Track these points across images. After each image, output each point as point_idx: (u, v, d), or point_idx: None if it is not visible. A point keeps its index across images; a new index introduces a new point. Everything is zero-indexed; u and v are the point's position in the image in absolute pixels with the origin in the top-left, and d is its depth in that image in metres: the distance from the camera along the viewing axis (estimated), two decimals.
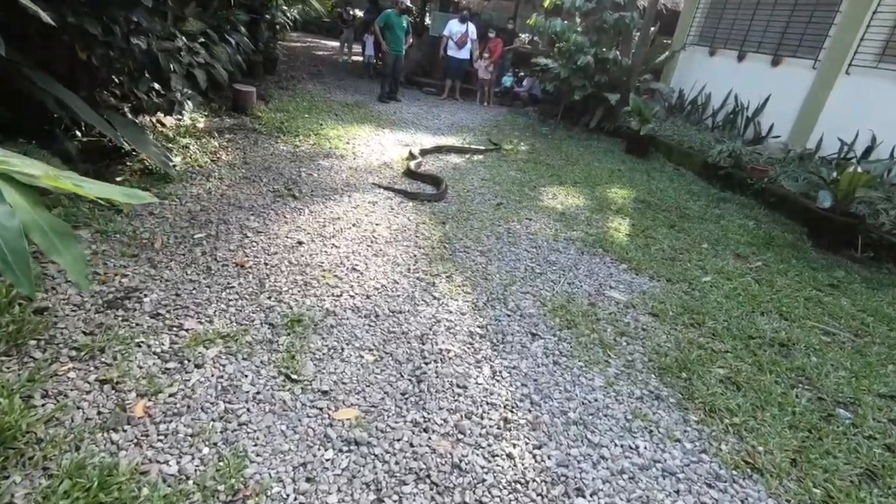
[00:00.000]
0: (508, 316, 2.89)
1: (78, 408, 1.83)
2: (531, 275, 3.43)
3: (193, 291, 2.63)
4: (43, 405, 1.82)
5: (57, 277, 2.55)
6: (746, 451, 2.14)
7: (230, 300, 2.61)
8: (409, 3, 9.39)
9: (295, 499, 1.64)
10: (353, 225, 3.76)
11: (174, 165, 4.25)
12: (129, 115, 4.46)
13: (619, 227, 4.57)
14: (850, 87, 6.35)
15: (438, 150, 6.25)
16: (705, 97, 8.72)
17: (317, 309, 2.66)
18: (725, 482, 1.98)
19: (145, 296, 2.53)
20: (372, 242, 3.53)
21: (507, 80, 10.91)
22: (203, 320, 2.43)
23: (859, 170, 4.67)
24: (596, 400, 2.32)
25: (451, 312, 2.83)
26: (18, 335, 2.07)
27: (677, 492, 1.90)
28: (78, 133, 4.05)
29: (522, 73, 10.89)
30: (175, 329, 2.33)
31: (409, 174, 5.10)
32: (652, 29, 9.10)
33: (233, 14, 7.77)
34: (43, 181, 0.85)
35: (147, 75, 4.20)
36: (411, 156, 5.64)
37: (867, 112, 6.05)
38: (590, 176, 6.13)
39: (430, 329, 2.65)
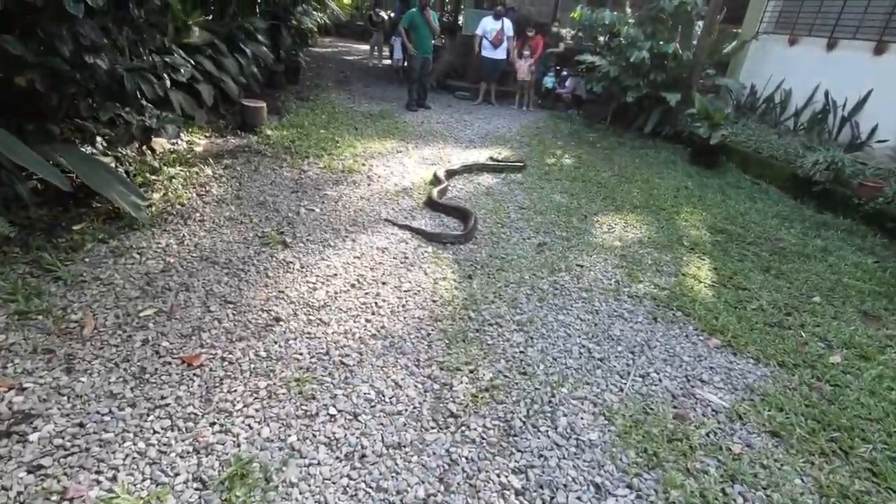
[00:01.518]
0: (559, 447, 1.97)
1: None
2: (588, 363, 2.49)
3: (106, 417, 1.86)
4: None
5: None
6: None
7: (154, 432, 1.82)
8: None
9: None
10: (353, 286, 2.92)
11: (148, 206, 3.55)
12: (103, 147, 3.81)
13: (699, 274, 3.54)
14: None
15: (468, 170, 5.35)
16: (784, 93, 7.43)
17: (276, 445, 1.83)
18: None
19: (35, 429, 1.77)
20: (373, 314, 2.68)
21: (549, 81, 9.87)
22: (104, 475, 1.64)
23: None
24: None
25: (473, 444, 1.93)
26: None
27: None
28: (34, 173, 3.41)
29: (565, 73, 9.81)
30: (55, 497, 1.55)
31: (431, 204, 4.23)
32: (718, 16, 7.86)
33: (249, 21, 7.16)
34: None
35: (113, 101, 3.50)
36: (436, 179, 4.78)
37: None
38: (651, 196, 5.08)
39: (441, 482, 1.76)
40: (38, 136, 3.16)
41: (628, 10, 8.38)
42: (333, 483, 1.71)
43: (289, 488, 1.67)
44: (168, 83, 4.48)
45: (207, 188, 4.08)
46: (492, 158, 5.77)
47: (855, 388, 2.49)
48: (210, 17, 6.76)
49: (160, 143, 4.70)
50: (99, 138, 3.82)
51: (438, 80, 10.29)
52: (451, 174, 5.04)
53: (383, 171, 5.04)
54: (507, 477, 1.81)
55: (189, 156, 4.63)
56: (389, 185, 4.70)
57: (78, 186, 3.38)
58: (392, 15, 13.39)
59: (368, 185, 4.64)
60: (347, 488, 1.70)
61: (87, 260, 2.85)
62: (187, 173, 4.23)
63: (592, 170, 5.85)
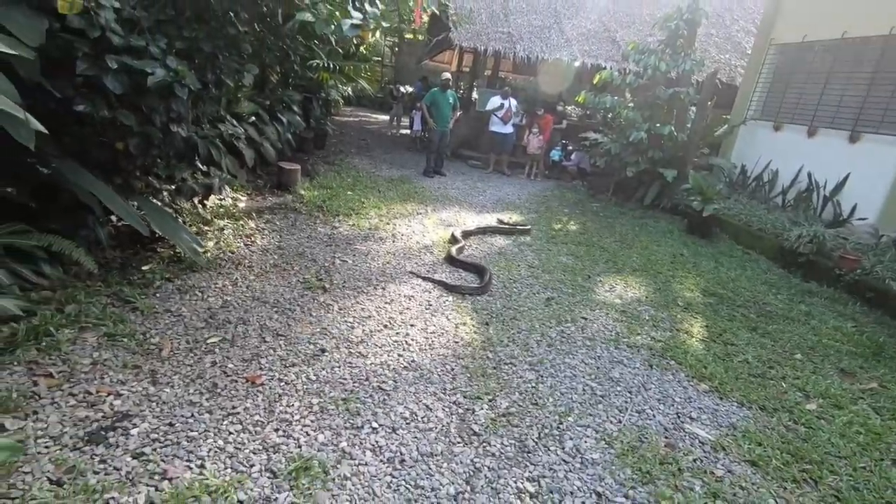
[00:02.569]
0: (566, 462, 2.31)
1: None
2: (591, 399, 2.86)
3: (190, 420, 2.24)
4: None
5: (46, 395, 2.24)
6: None
7: (230, 433, 2.20)
8: (448, 76, 9.49)
9: None
10: (385, 326, 3.35)
11: (204, 252, 4.06)
12: (167, 200, 4.38)
13: (691, 330, 3.94)
14: None
15: (483, 231, 5.89)
16: (772, 173, 8.10)
17: (330, 448, 2.19)
18: None
19: (134, 426, 2.15)
20: (404, 350, 3.08)
21: (556, 154, 10.68)
22: (193, 463, 2.01)
23: None
24: None
25: (493, 456, 2.29)
26: None
27: None
28: (113, 219, 3.95)
29: (571, 147, 10.65)
30: (157, 478, 1.91)
31: (451, 261, 4.72)
32: (709, 104, 8.72)
33: (287, 94, 8.02)
34: None
35: (184, 162, 4.11)
36: (453, 239, 5.30)
37: None
38: (649, 262, 5.55)
39: (467, 484, 2.11)
40: (122, 190, 3.72)
41: (627, 96, 9.28)
42: (379, 479, 2.06)
43: (343, 481, 2.02)
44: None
45: (253, 239, 4.60)
46: (500, 221, 6.33)
47: (827, 431, 2.82)
48: (255, 90, 7.62)
49: (210, 199, 5.30)
50: (165, 193, 4.40)
51: (453, 150, 11.13)
52: (466, 235, 5.56)
53: (406, 230, 5.57)
54: (522, 483, 2.15)
55: (234, 211, 5.19)
56: (412, 242, 5.21)
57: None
58: (411, 90, 14.59)
59: (393, 241, 5.16)
60: (391, 484, 2.05)
61: (157, 295, 3.31)
62: (235, 226, 4.77)
63: (596, 236, 6.38)
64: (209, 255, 4.05)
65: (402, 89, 15.35)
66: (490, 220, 6.43)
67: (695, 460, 2.45)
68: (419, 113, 10.78)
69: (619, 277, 4.96)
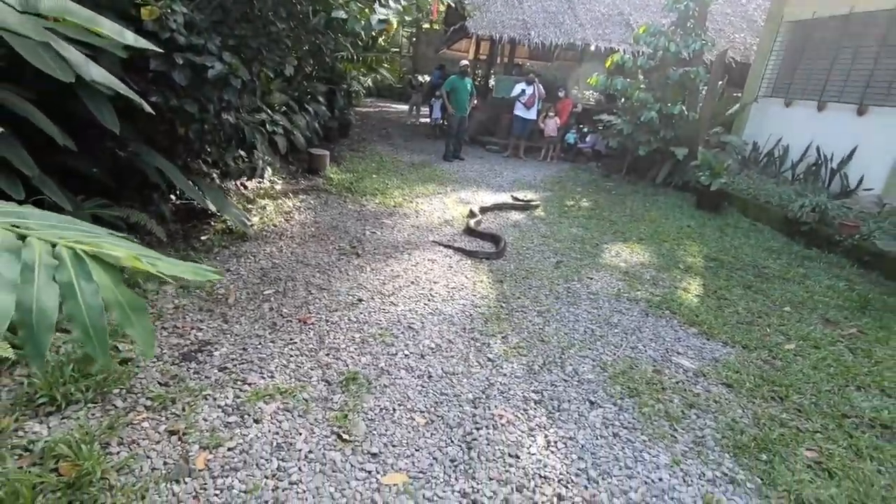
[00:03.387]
0: (565, 381, 2.78)
1: (147, 457, 1.95)
2: (591, 337, 3.30)
3: (259, 346, 2.77)
4: (118, 452, 1.95)
5: None
6: None
7: (291, 356, 2.72)
8: (466, 63, 9.90)
9: None
10: (412, 283, 3.84)
11: (251, 225, 4.61)
12: (217, 181, 4.95)
13: (689, 288, 4.33)
14: None
15: (499, 207, 6.33)
16: (783, 149, 8.29)
17: (371, 367, 2.70)
18: None
19: (215, 349, 2.70)
20: (429, 301, 3.58)
21: (571, 137, 11.00)
22: (265, 375, 2.54)
23: None
24: (661, 480, 2.14)
25: (505, 375, 2.77)
26: (105, 384, 2.27)
27: None
28: (172, 197, 4.52)
29: (586, 129, 10.95)
30: (239, 383, 2.45)
31: (469, 232, 5.19)
32: (720, 83, 8.92)
33: (312, 86, 8.55)
34: (123, 262, 0.96)
35: (233, 145, 4.65)
36: (471, 214, 5.75)
37: None
38: (656, 232, 5.92)
39: (483, 392, 2.60)
40: (182, 171, 4.28)
41: (640, 77, 9.52)
42: (411, 389, 2.56)
43: (383, 388, 2.53)
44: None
45: (291, 215, 5.14)
46: (514, 198, 6.76)
47: (801, 365, 3.21)
48: (284, 83, 8.17)
49: (249, 183, 5.86)
50: (214, 174, 4.97)
51: (472, 135, 11.54)
52: (484, 210, 6.02)
53: (427, 207, 6.05)
54: (528, 393, 2.62)
55: (273, 192, 5.75)
56: (433, 217, 5.69)
57: (200, 209, 4.48)
58: (429, 79, 15.00)
59: (416, 217, 5.64)
60: (421, 391, 2.55)
61: (217, 258, 3.87)
62: (274, 204, 5.32)
63: (606, 210, 6.75)
64: (255, 228, 4.60)
65: (420, 79, 15.79)
66: (506, 198, 6.86)
67: (677, 382, 2.88)
68: (439, 101, 11.19)
69: (625, 245, 5.35)
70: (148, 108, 2.51)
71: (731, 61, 10.49)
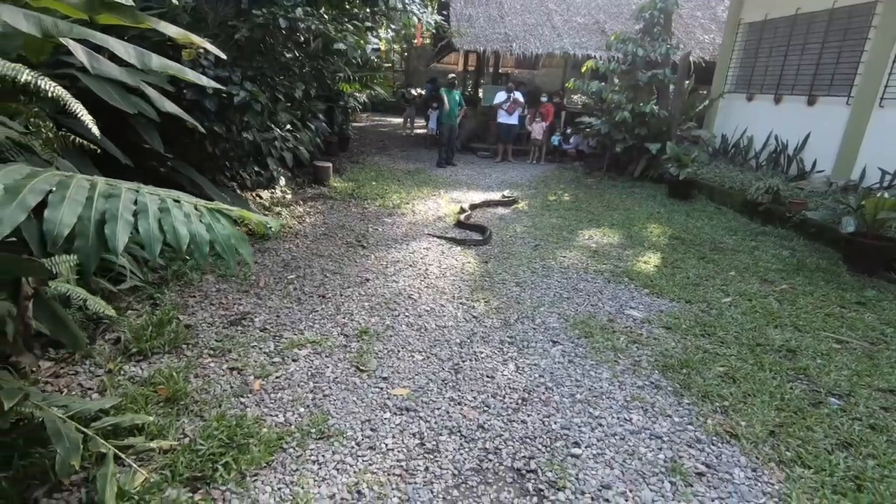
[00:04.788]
0: (534, 329, 3.48)
1: (217, 384, 2.65)
2: (559, 299, 4.01)
3: (289, 314, 3.48)
4: (196, 381, 2.66)
5: (195, 305, 3.50)
6: (729, 424, 2.55)
7: (315, 319, 3.43)
8: (453, 75, 10.73)
9: (362, 440, 2.31)
10: (410, 266, 4.56)
11: (271, 227, 5.32)
12: (238, 191, 5.69)
13: (649, 261, 5.03)
14: (886, 119, 6.53)
15: (487, 204, 7.06)
16: (747, 140, 9.02)
17: (379, 325, 3.41)
18: (703, 444, 2.41)
19: (255, 317, 3.41)
20: (424, 278, 4.29)
21: (555, 140, 11.75)
22: (296, 332, 3.25)
23: (886, 196, 4.88)
24: (601, 387, 2.83)
25: (486, 327, 3.47)
26: (176, 340, 2.97)
27: (660, 449, 2.36)
28: None
29: (570, 131, 11.71)
30: (277, 337, 3.16)
31: (459, 224, 5.91)
32: (687, 82, 9.69)
33: (313, 105, 9.32)
34: (236, 214, 1.68)
35: (251, 160, 5.40)
36: (461, 210, 6.47)
37: None
38: (628, 219, 6.63)
39: (468, 338, 3.30)
40: (212, 184, 5.03)
41: (615, 80, 10.29)
42: (411, 338, 3.26)
43: (389, 338, 3.23)
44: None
45: (303, 219, 5.87)
46: (504, 195, 7.48)
47: (733, 312, 3.90)
48: (288, 103, 8.95)
49: (264, 193, 6.61)
50: (234, 185, 5.71)
51: (463, 143, 12.30)
52: (473, 207, 6.74)
53: (422, 208, 6.78)
54: (503, 338, 3.32)
55: (285, 200, 6.49)
56: (428, 215, 6.42)
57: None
58: (423, 92, 15.81)
59: (413, 215, 6.37)
60: (419, 339, 3.25)
61: None
62: (287, 210, 6.05)
63: (585, 203, 7.47)
64: (273, 230, 5.32)
65: (413, 92, 16.61)
66: (495, 197, 7.58)
67: (626, 327, 3.58)
68: (435, 112, 11.94)
69: (598, 231, 6.06)
70: (200, 128, 3.22)
71: (700, 60, 11.25)
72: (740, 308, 3.97)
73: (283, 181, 6.44)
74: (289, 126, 8.29)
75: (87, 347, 2.75)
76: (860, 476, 2.23)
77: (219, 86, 2.70)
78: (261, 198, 6.32)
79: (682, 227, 6.35)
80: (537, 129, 11.10)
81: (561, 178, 9.63)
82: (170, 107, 2.72)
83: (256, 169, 6.01)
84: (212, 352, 2.95)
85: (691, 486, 2.16)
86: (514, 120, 11.07)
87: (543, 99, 11.39)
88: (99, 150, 3.40)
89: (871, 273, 4.86)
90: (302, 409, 2.49)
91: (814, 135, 7.65)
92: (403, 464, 2.20)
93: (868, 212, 4.87)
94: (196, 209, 1.68)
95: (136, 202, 1.63)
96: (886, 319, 3.87)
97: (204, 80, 2.29)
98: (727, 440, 2.44)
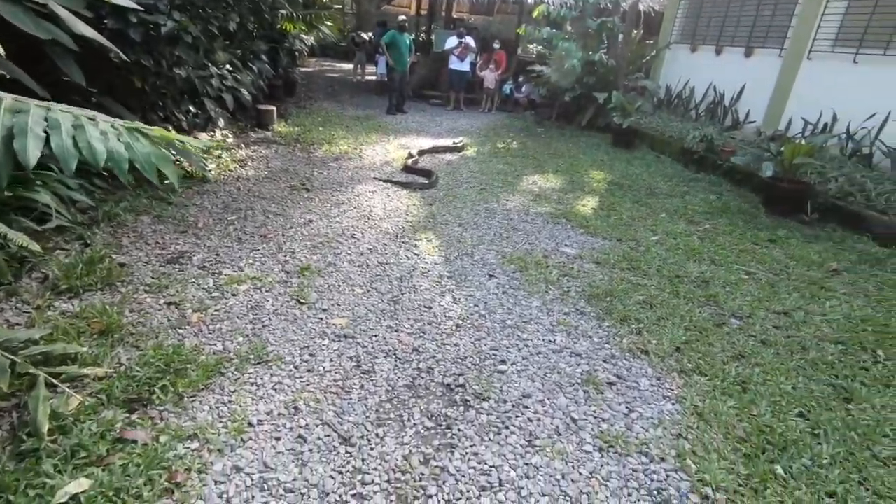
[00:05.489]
0: (473, 265, 3.63)
1: (154, 317, 2.66)
2: (498, 238, 4.16)
3: (228, 252, 3.47)
4: (131, 315, 2.65)
5: (129, 245, 3.43)
6: (641, 342, 2.82)
7: (256, 258, 3.44)
8: (404, 18, 10.35)
9: (300, 363, 2.41)
10: (354, 208, 4.57)
11: (210, 170, 5.17)
12: (172, 131, 5.43)
13: (587, 204, 5.25)
14: (812, 71, 6.89)
15: (435, 150, 7.06)
16: (689, 91, 9.31)
17: (321, 262, 3.46)
18: (617, 359, 2.66)
19: (193, 256, 3.38)
20: (368, 219, 4.33)
21: (507, 88, 11.70)
22: (236, 269, 3.26)
23: (803, 142, 5.25)
24: (530, 314, 3.03)
25: (426, 263, 3.59)
26: (109, 277, 2.93)
27: (578, 364, 2.60)
28: None
29: (521, 80, 11.66)
30: (216, 274, 3.16)
31: (406, 169, 5.91)
32: (635, 31, 9.78)
33: (255, 45, 8.83)
34: (156, 133, 1.66)
35: (186, 98, 5.14)
36: (409, 155, 6.46)
37: (827, 92, 6.58)
38: (571, 166, 6.82)
39: (409, 273, 3.41)
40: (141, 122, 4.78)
41: (568, 28, 10.25)
42: (353, 273, 3.34)
43: (331, 273, 3.30)
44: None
45: (245, 163, 5.71)
46: (454, 142, 7.49)
47: (658, 249, 4.18)
48: (226, 41, 8.43)
49: (202, 136, 6.33)
50: (169, 127, 5.44)
51: (415, 90, 12.05)
52: (421, 153, 6.73)
53: (370, 153, 6.71)
54: (443, 272, 3.46)
55: (225, 144, 6.25)
56: (375, 160, 6.37)
57: None
58: (372, 37, 15.19)
59: (360, 160, 6.31)
60: (360, 274, 3.33)
61: (182, 195, 4.46)
62: (229, 154, 5.85)
63: (532, 151, 7.59)
64: (213, 173, 5.17)
65: (363, 36, 15.92)
66: (444, 143, 7.58)
67: (559, 262, 3.79)
68: (383, 57, 11.57)
69: (541, 176, 6.22)
70: (123, 56, 3.05)
71: (650, 10, 11.33)
72: (665, 245, 4.26)
73: (222, 122, 6.17)
74: (228, 66, 7.89)
75: (11, 282, 2.68)
76: (747, 381, 2.54)
77: (139, 7, 2.55)
78: (199, 140, 6.05)
79: (622, 173, 6.60)
80: (490, 77, 11.01)
81: (511, 126, 9.68)
82: (84, 29, 2.57)
83: (193, 109, 5.73)
84: (147, 288, 2.93)
85: (602, 392, 2.41)
86: (465, 66, 10.90)
87: (496, 46, 11.23)
88: (9, 78, 3.18)
89: (786, 215, 5.27)
90: (241, 339, 2.56)
91: (749, 86, 7.99)
92: (340, 383, 2.33)
93: (786, 157, 5.23)
94: (114, 127, 1.65)
95: (46, 119, 1.58)
96: (792, 254, 4.26)
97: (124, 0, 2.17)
98: (638, 356, 2.71)
